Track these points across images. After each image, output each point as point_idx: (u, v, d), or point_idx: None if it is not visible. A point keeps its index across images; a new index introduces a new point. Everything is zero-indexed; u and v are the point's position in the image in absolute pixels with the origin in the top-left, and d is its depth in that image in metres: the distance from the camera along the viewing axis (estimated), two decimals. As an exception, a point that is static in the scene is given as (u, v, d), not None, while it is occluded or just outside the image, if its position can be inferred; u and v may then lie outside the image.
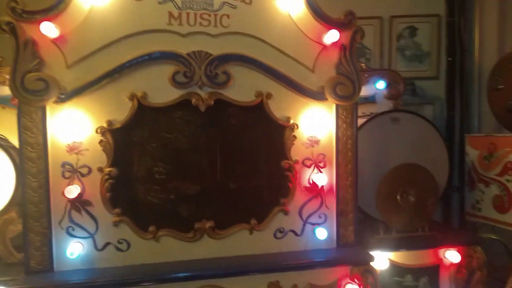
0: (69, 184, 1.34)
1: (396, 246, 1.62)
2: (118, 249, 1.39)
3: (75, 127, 1.34)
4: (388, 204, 1.64)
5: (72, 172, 1.35)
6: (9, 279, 1.32)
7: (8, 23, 1.27)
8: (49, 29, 1.28)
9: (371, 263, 1.48)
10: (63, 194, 1.33)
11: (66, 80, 1.33)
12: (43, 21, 1.28)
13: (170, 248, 1.42)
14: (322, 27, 1.49)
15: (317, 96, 1.50)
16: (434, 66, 2.50)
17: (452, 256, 1.63)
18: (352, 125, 1.53)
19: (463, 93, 2.37)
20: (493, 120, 2.42)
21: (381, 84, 1.96)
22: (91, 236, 1.37)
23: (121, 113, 1.37)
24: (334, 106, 1.52)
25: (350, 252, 1.51)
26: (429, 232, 1.69)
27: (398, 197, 1.65)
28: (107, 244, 1.38)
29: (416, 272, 1.65)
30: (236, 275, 1.39)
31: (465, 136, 2.08)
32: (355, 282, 1.45)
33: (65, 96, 1.33)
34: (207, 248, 1.45)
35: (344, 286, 1.46)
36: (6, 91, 1.52)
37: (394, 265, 1.63)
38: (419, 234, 1.68)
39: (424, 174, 1.67)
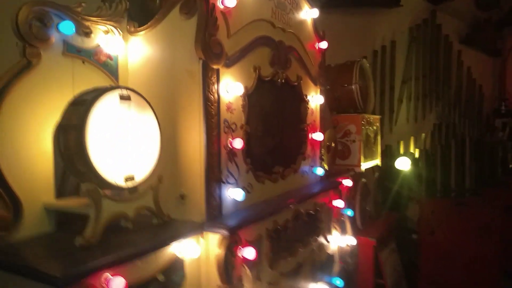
0: (227, 138, 1.55)
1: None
2: (248, 192, 1.69)
3: (231, 89, 1.56)
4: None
5: (228, 128, 1.56)
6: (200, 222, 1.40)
7: (201, -14, 1.38)
8: (231, 1, 1.47)
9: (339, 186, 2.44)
10: (224, 146, 1.53)
11: (226, 48, 1.53)
12: (226, -7, 1.46)
13: (266, 189, 1.84)
14: (316, 38, 2.30)
15: (315, 82, 2.30)
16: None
17: (347, 182, 2.82)
18: (321, 101, 2.42)
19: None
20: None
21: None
22: (236, 182, 1.61)
23: (249, 82, 1.69)
24: (319, 90, 2.36)
25: (332, 181, 2.41)
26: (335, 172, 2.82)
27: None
28: (243, 188, 1.66)
29: (336, 193, 2.73)
30: (304, 200, 2.01)
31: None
32: (338, 198, 2.37)
33: (229, 62, 1.53)
34: (280, 186, 1.96)
35: (332, 200, 2.35)
36: (89, 43, 1.46)
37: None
38: (333, 173, 2.77)
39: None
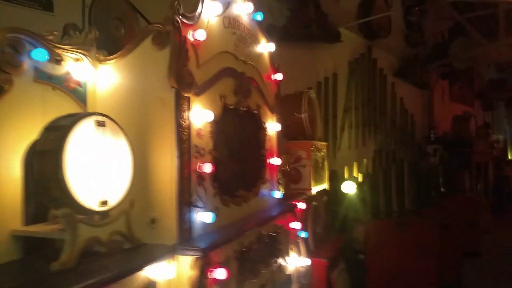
0: (196, 163, 1.61)
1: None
2: (215, 215, 1.74)
3: (200, 116, 1.63)
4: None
5: (198, 153, 1.62)
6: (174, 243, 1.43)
7: (175, 21, 1.47)
8: (201, 35, 1.57)
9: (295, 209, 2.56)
10: (194, 171, 1.59)
11: (196, 78, 1.61)
12: (197, 28, 1.56)
13: (231, 212, 1.91)
14: (271, 70, 2.47)
15: (272, 110, 2.44)
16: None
17: (302, 205, 2.95)
18: (277, 128, 2.56)
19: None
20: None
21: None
22: (204, 206, 1.67)
23: (216, 109, 1.78)
24: (275, 118, 2.50)
25: (288, 204, 2.53)
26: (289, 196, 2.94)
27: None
28: (210, 211, 1.71)
29: (291, 216, 2.85)
30: (265, 223, 2.09)
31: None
32: (295, 220, 2.49)
33: (199, 90, 1.61)
34: (243, 209, 2.03)
35: (290, 223, 2.46)
36: (59, 70, 1.50)
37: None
38: (287, 196, 2.89)
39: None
